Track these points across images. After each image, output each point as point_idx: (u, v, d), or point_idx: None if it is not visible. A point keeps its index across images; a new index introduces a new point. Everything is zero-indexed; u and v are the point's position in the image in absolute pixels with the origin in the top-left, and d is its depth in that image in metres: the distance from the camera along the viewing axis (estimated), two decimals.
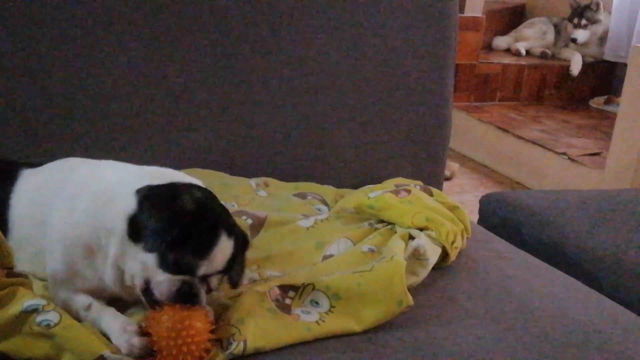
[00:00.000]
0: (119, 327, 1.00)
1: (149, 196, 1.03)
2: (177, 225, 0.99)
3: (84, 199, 1.09)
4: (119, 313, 1.05)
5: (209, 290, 1.05)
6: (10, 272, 1.07)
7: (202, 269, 1.02)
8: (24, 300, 0.99)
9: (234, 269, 1.08)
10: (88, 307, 1.06)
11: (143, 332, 0.99)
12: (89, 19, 1.54)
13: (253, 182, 1.62)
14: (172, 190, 1.05)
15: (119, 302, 1.10)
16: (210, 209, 1.06)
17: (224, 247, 1.03)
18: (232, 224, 1.07)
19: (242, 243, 1.10)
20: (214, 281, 1.05)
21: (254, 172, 1.67)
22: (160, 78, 1.60)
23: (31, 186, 1.22)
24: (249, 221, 1.41)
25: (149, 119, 1.61)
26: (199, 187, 1.10)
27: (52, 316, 0.98)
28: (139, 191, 1.03)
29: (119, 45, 1.56)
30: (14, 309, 0.98)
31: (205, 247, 1.01)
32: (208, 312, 1.04)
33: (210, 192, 1.10)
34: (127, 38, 1.57)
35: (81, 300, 1.07)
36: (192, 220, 1.01)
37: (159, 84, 1.60)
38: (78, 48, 1.54)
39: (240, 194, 1.55)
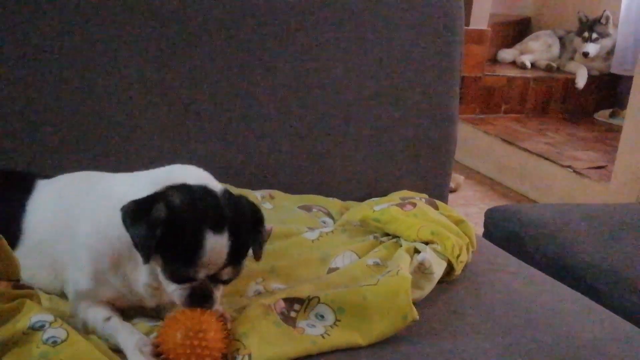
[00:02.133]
0: (134, 346, 1.00)
1: (125, 212, 1.02)
2: (153, 237, 0.98)
3: (106, 211, 1.09)
4: (135, 330, 1.05)
5: (227, 281, 1.05)
6: (17, 284, 1.07)
7: (202, 273, 1.01)
8: (32, 315, 0.99)
9: (253, 246, 1.08)
10: (107, 319, 1.07)
11: (157, 352, 0.99)
12: (98, 32, 1.55)
13: (258, 194, 1.63)
14: (149, 201, 1.02)
15: (133, 311, 1.12)
16: (189, 210, 1.01)
17: (216, 245, 1.00)
18: (222, 217, 1.02)
19: (252, 222, 1.08)
20: (223, 275, 1.04)
21: (259, 184, 1.67)
22: (166, 90, 1.61)
23: (47, 196, 1.23)
24: None
25: (155, 131, 1.61)
26: (187, 188, 1.05)
27: (59, 333, 0.98)
28: (122, 208, 1.02)
29: (127, 57, 1.57)
30: (21, 323, 0.98)
31: (192, 253, 1.00)
32: (223, 314, 1.05)
33: (200, 189, 1.06)
34: (135, 50, 1.57)
35: (102, 312, 1.08)
36: (169, 229, 0.99)
37: (165, 96, 1.61)
38: (86, 60, 1.55)
39: None
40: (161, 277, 1.03)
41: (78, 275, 1.12)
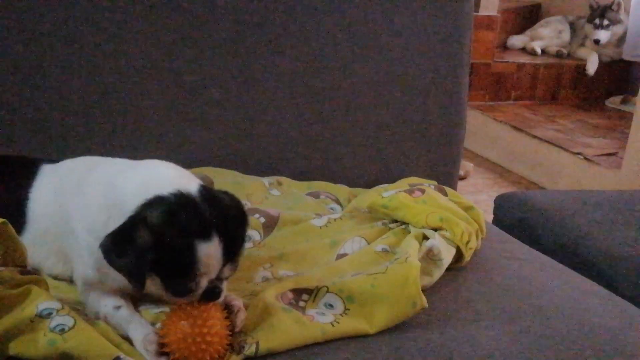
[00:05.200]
0: (141, 340, 0.99)
1: (107, 248, 0.97)
2: (144, 264, 0.95)
3: (99, 206, 1.07)
4: (144, 322, 1.04)
5: (228, 277, 1.04)
6: (24, 270, 1.07)
7: (202, 282, 0.99)
8: (39, 302, 0.99)
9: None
10: (117, 308, 1.06)
11: (162, 350, 0.98)
12: (102, 17, 1.54)
13: (266, 180, 1.62)
14: (128, 228, 0.97)
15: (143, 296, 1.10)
16: (173, 227, 0.97)
17: (209, 253, 0.97)
18: (206, 222, 0.98)
19: (236, 215, 1.04)
20: (224, 274, 1.02)
21: (267, 170, 1.67)
22: (173, 76, 1.60)
23: (50, 184, 1.22)
24: (262, 220, 1.41)
25: (162, 117, 1.61)
26: (162, 201, 0.99)
27: (66, 320, 0.98)
28: (101, 245, 0.98)
29: (133, 43, 1.57)
30: (28, 311, 0.98)
31: (187, 268, 0.97)
32: (232, 302, 1.04)
33: (176, 198, 0.99)
34: (141, 36, 1.57)
35: (112, 301, 1.07)
36: (157, 251, 0.95)
37: (172, 82, 1.61)
38: (91, 46, 1.54)
39: (253, 193, 1.54)
40: (163, 292, 1.01)
41: (83, 267, 1.11)
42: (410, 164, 1.79)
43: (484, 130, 4.28)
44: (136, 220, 0.97)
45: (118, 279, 1.05)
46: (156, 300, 1.10)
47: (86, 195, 1.11)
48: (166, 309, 1.05)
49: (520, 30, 5.17)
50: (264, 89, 1.67)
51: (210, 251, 0.97)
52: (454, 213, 1.39)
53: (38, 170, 1.24)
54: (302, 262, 1.29)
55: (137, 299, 1.11)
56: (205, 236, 0.97)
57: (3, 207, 1.15)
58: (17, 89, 1.51)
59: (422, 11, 1.74)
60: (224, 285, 1.04)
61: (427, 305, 1.13)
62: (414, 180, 1.64)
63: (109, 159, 1.23)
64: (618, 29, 4.61)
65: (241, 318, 1.04)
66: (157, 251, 0.95)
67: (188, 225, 0.97)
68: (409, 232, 1.35)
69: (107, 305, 1.07)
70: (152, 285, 1.01)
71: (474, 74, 4.36)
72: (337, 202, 1.60)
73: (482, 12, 4.48)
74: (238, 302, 1.05)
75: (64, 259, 1.17)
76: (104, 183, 1.09)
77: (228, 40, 1.63)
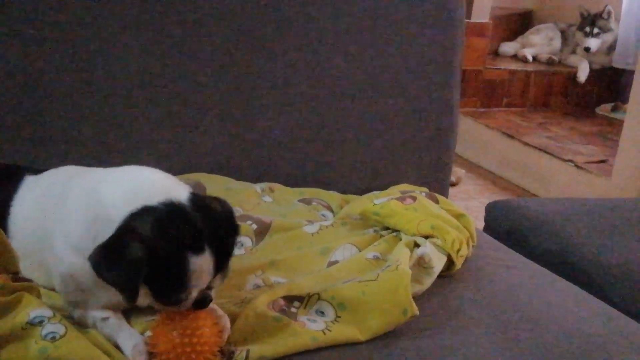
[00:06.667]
0: (130, 350, 0.99)
1: (96, 261, 0.94)
2: (138, 278, 0.93)
3: (84, 225, 1.03)
4: (133, 332, 1.03)
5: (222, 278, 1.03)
6: (16, 277, 1.06)
7: (194, 293, 0.98)
8: (30, 310, 0.98)
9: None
10: (105, 319, 1.05)
11: (151, 352, 0.98)
12: (94, 23, 1.54)
13: (258, 187, 1.62)
14: (119, 240, 0.94)
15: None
16: (165, 239, 0.94)
17: (200, 265, 0.96)
18: (199, 233, 0.96)
19: (225, 225, 1.02)
20: (214, 283, 1.01)
21: (259, 177, 1.67)
22: (166, 82, 1.60)
23: (31, 196, 1.20)
24: (254, 226, 1.41)
25: (154, 123, 1.61)
26: (153, 212, 0.96)
27: (58, 328, 0.97)
28: (90, 258, 0.95)
29: (125, 48, 1.57)
30: (20, 318, 0.97)
31: (179, 281, 0.95)
32: (219, 319, 1.03)
33: (167, 208, 0.97)
34: (133, 42, 1.57)
35: (98, 314, 1.06)
36: (149, 264, 0.93)
37: (164, 87, 1.61)
38: (83, 52, 1.54)
39: (245, 199, 1.54)
40: (152, 301, 1.00)
41: (64, 287, 1.09)
42: (402, 171, 1.80)
43: (475, 136, 4.29)
44: (126, 232, 0.95)
45: (102, 298, 1.04)
46: (145, 309, 1.10)
47: (67, 210, 1.07)
48: (156, 317, 1.05)
49: (512, 37, 5.20)
50: (257, 95, 1.67)
51: (202, 264, 0.96)
52: (445, 221, 1.39)
53: (20, 183, 1.22)
54: (294, 269, 1.29)
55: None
56: (198, 249, 0.95)
57: None
58: (9, 96, 1.51)
59: (414, 18, 1.75)
60: (214, 292, 1.03)
61: (418, 313, 1.14)
62: (405, 187, 1.65)
63: (91, 168, 1.20)
64: (608, 37, 4.64)
65: (225, 336, 1.02)
66: (149, 263, 0.93)
67: (180, 238, 0.95)
68: (400, 240, 1.35)
69: (95, 317, 1.06)
70: (142, 296, 0.99)
71: (466, 80, 4.37)
72: (329, 208, 1.60)
73: (474, 18, 4.49)
74: (224, 321, 1.04)
75: (48, 272, 1.14)
76: (86, 195, 1.05)
77: (221, 47, 1.63)
